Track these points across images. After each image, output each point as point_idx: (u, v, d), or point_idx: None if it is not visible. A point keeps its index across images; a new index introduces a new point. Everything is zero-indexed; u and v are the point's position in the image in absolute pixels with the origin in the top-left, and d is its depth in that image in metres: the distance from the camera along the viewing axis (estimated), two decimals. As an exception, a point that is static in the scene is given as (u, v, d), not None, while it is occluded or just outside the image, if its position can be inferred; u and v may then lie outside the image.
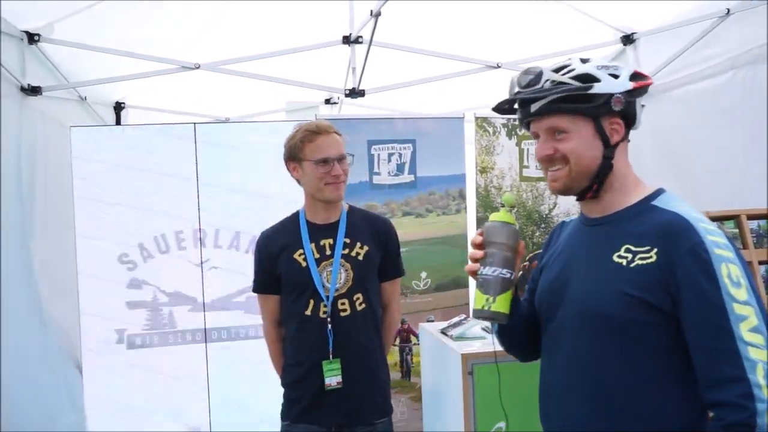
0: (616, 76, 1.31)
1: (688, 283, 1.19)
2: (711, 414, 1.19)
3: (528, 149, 3.95)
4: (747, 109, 3.18)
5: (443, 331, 2.78)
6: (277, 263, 2.19)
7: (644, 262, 1.24)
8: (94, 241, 3.43)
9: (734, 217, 2.80)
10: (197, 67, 3.73)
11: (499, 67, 4.04)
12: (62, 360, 3.59)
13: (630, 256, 1.27)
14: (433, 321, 3.57)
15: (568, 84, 1.30)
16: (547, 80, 1.32)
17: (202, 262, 3.54)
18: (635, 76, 1.33)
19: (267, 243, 2.25)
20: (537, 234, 4.02)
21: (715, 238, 1.21)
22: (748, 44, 3.18)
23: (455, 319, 2.87)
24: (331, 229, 2.20)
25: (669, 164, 3.77)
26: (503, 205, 1.41)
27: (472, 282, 4.14)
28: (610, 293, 1.27)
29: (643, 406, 1.25)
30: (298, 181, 2.22)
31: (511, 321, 1.41)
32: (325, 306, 2.14)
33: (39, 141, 3.46)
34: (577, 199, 1.39)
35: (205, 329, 3.54)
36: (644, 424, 1.25)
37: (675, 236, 1.22)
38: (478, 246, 1.41)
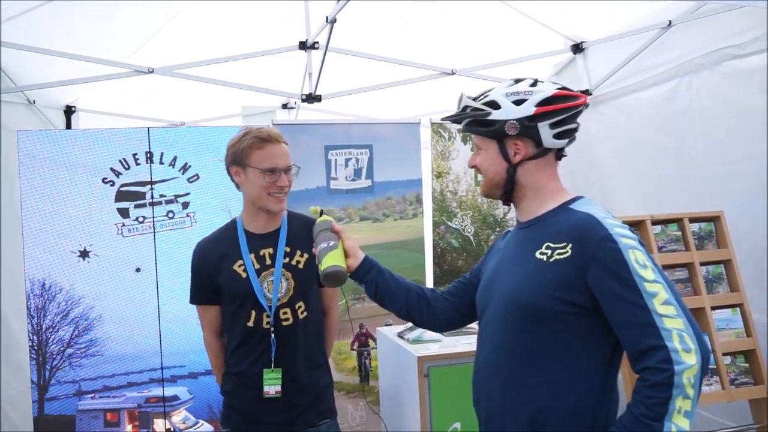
0: (520, 102, 1.51)
1: (603, 271, 1.36)
2: (637, 378, 1.34)
3: (482, 154, 4.03)
4: (694, 116, 3.31)
5: (400, 335, 2.81)
6: (217, 274, 2.14)
7: (561, 257, 1.43)
8: (40, 248, 3.34)
9: (677, 220, 2.92)
10: (151, 72, 3.68)
11: (454, 73, 4.11)
12: None
13: (549, 252, 1.45)
14: (391, 324, 3.59)
15: (478, 110, 1.55)
16: (464, 105, 1.59)
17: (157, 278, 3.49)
18: (545, 101, 1.50)
19: (205, 253, 2.18)
20: (492, 237, 4.09)
21: (620, 230, 1.40)
22: (689, 54, 3.31)
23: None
24: (270, 239, 2.16)
25: (621, 168, 3.89)
26: (320, 214, 1.92)
27: (429, 285, 4.14)
28: (533, 286, 1.45)
29: (559, 388, 1.41)
30: (238, 186, 2.14)
31: (345, 270, 1.76)
32: (268, 316, 2.10)
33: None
34: (503, 204, 1.65)
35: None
36: (560, 405, 1.41)
37: (586, 232, 1.41)
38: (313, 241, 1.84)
